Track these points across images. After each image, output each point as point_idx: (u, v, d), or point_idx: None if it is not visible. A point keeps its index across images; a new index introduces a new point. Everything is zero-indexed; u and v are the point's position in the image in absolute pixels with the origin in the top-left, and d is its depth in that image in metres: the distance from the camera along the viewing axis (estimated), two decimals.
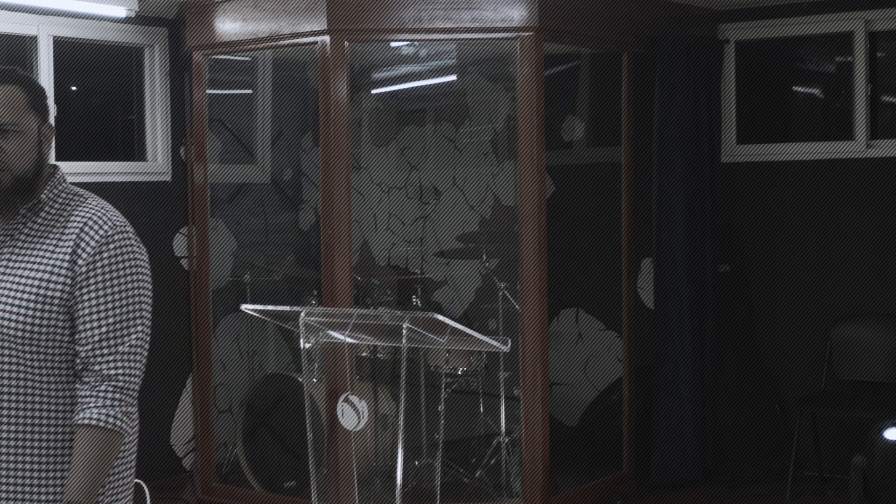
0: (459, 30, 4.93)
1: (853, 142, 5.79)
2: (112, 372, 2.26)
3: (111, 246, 2.29)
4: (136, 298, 2.32)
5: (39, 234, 2.32)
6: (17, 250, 2.31)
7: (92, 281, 2.27)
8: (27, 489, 2.28)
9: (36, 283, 2.26)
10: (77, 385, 2.28)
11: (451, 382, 5.52)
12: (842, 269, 5.79)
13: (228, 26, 5.23)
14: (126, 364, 2.27)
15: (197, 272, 5.65)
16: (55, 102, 5.44)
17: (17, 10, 5.26)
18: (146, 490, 3.79)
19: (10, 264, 2.30)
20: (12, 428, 2.26)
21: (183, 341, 6.01)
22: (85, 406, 2.25)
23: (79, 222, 2.30)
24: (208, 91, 5.45)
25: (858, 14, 5.70)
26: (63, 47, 5.50)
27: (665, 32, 5.52)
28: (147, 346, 2.35)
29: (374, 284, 5.82)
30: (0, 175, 2.27)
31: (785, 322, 5.95)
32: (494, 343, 3.34)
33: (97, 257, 2.27)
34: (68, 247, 2.28)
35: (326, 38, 4.86)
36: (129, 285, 2.31)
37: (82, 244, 2.28)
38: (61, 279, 2.26)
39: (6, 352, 2.25)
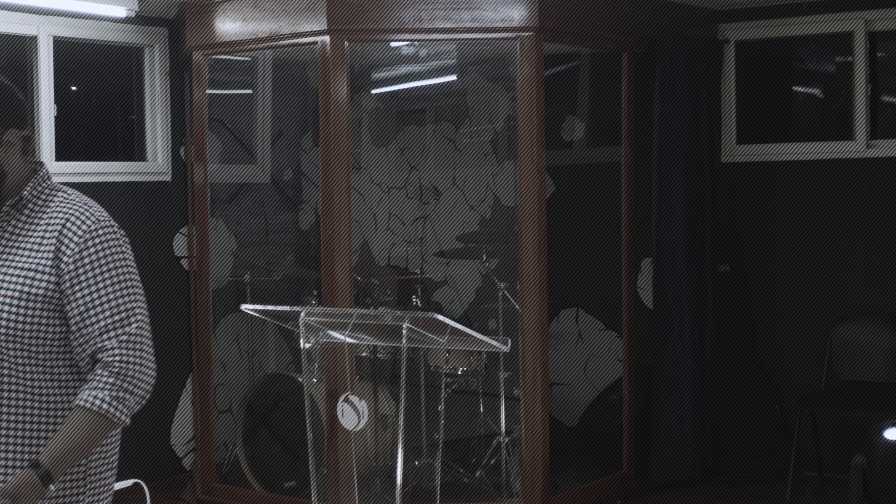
0: (459, 30, 4.93)
1: (853, 142, 5.79)
2: (110, 359, 2.24)
3: (96, 241, 2.27)
4: (129, 290, 2.30)
5: (22, 231, 2.31)
6: (1, 248, 2.31)
7: (83, 277, 2.26)
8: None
9: (20, 280, 2.25)
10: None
11: (451, 382, 5.53)
12: (842, 269, 5.79)
13: (228, 26, 5.23)
14: (125, 351, 2.25)
15: (197, 272, 5.65)
16: (55, 102, 5.45)
17: (17, 10, 5.26)
18: (146, 490, 3.79)
19: None
20: None
21: (183, 341, 6.01)
22: (82, 389, 2.25)
23: (61, 218, 2.29)
24: (208, 91, 5.45)
25: (858, 14, 5.70)
26: (63, 47, 5.50)
27: (665, 32, 5.52)
28: (148, 335, 2.32)
29: (374, 284, 5.81)
30: None
31: (785, 322, 5.95)
32: (494, 343, 3.34)
33: (83, 253, 2.26)
34: (51, 243, 2.27)
35: (326, 38, 4.86)
36: (120, 277, 2.29)
37: (65, 240, 2.27)
38: (45, 276, 2.25)
39: None
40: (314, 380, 5.33)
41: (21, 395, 2.27)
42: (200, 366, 5.64)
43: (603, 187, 6.02)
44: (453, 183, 6.96)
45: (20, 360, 2.26)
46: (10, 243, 2.31)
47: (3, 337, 2.24)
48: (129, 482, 3.64)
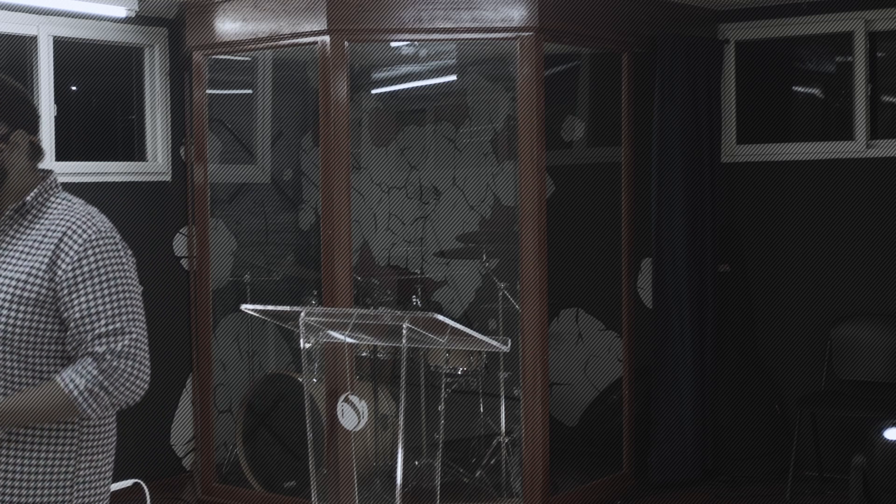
0: (459, 30, 4.93)
1: (853, 142, 5.79)
2: (100, 353, 2.23)
3: (96, 250, 2.26)
4: (126, 302, 2.28)
5: (22, 236, 2.31)
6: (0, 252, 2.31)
7: (80, 286, 2.24)
8: (4, 486, 2.26)
9: (13, 283, 2.25)
10: None
11: (451, 382, 5.53)
12: (842, 269, 5.79)
13: (228, 26, 5.23)
14: (117, 359, 2.24)
15: (197, 272, 5.65)
16: (55, 102, 5.45)
17: (17, 10, 5.25)
18: (146, 490, 3.79)
19: None
20: None
21: (183, 341, 6.01)
22: (66, 368, 2.25)
23: (62, 226, 2.28)
24: (208, 91, 5.45)
25: (858, 14, 5.70)
26: (63, 47, 5.49)
27: (665, 32, 5.53)
28: (144, 349, 2.30)
29: (374, 284, 5.82)
30: None
31: (785, 322, 5.95)
32: (494, 343, 3.34)
33: (82, 262, 2.25)
34: (49, 249, 2.26)
35: (326, 38, 4.87)
36: (118, 288, 2.27)
37: (64, 247, 2.25)
38: (38, 280, 2.24)
39: None
40: (314, 380, 5.33)
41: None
42: (200, 366, 5.64)
43: (603, 187, 6.02)
44: (453, 183, 6.96)
45: (9, 363, 2.25)
46: (10, 247, 2.30)
47: None
48: (129, 482, 3.64)
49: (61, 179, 2.46)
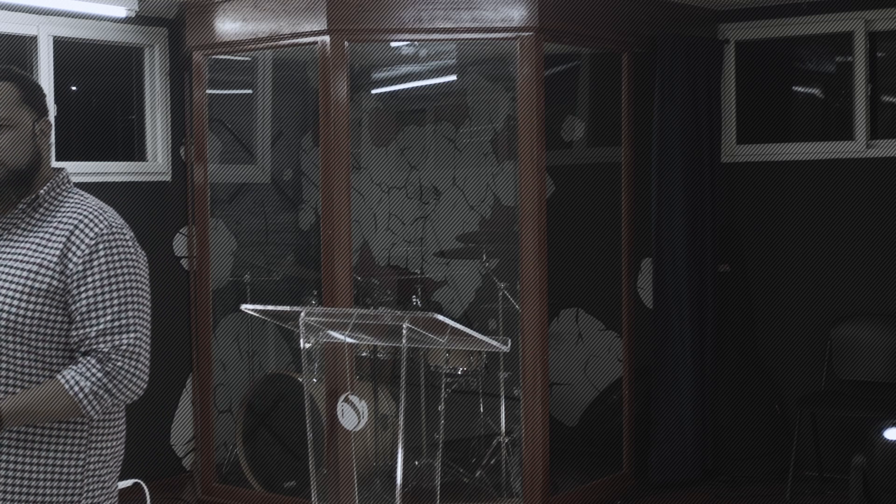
0: (459, 30, 4.93)
1: (853, 142, 5.79)
2: (105, 357, 2.26)
3: (108, 244, 2.29)
4: (134, 299, 2.31)
5: (33, 229, 2.34)
6: (11, 243, 2.33)
7: (89, 279, 2.27)
8: (14, 480, 2.27)
9: (24, 274, 2.27)
10: None
11: (451, 382, 5.52)
12: (842, 269, 5.79)
13: (228, 26, 5.23)
14: (120, 358, 2.26)
15: (197, 272, 5.65)
16: (55, 102, 5.45)
17: (17, 10, 5.26)
18: (146, 490, 3.79)
19: (3, 256, 2.32)
20: None
21: (183, 341, 6.01)
22: (68, 367, 2.27)
23: (74, 219, 2.31)
24: (208, 91, 5.45)
25: (858, 14, 5.70)
26: (63, 47, 5.50)
27: (665, 32, 5.53)
28: (146, 348, 2.32)
29: (374, 284, 5.81)
30: None
31: (785, 322, 5.95)
32: (494, 343, 3.34)
33: (92, 255, 2.27)
34: (60, 242, 2.29)
35: (326, 38, 4.86)
36: (127, 284, 2.30)
37: (76, 240, 2.28)
38: (49, 272, 2.27)
39: None
40: (314, 380, 5.33)
41: (16, 388, 2.27)
42: (200, 366, 5.64)
43: (603, 187, 6.02)
44: (453, 183, 6.96)
45: (18, 354, 2.27)
46: (22, 240, 2.33)
47: (3, 330, 2.25)
48: (129, 482, 3.64)
49: None
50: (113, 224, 2.33)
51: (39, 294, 2.26)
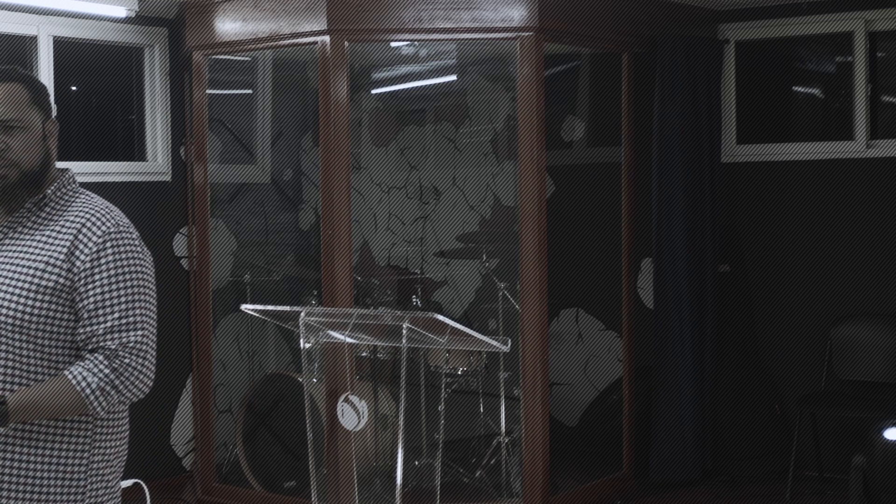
0: (459, 30, 4.93)
1: (853, 142, 5.79)
2: (112, 349, 2.27)
3: (115, 243, 2.31)
4: (141, 297, 2.33)
5: (41, 226, 2.35)
6: (17, 241, 2.34)
7: (97, 277, 2.28)
8: (19, 478, 2.28)
9: (31, 272, 2.28)
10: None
11: (451, 382, 5.52)
12: (842, 269, 5.79)
13: (228, 26, 5.23)
14: (128, 355, 2.28)
15: (197, 272, 5.65)
16: (55, 102, 5.44)
17: (17, 10, 5.26)
18: (146, 490, 3.79)
19: (9, 254, 2.33)
20: None
21: (183, 341, 6.01)
22: (76, 363, 2.27)
23: (81, 218, 2.33)
24: (208, 91, 5.45)
25: (858, 14, 5.70)
26: (63, 47, 5.50)
27: (665, 32, 5.53)
28: (153, 346, 2.34)
29: (374, 284, 5.82)
30: (7, 170, 2.32)
31: (785, 322, 5.95)
32: (494, 343, 3.34)
33: (100, 254, 2.29)
34: (67, 239, 2.30)
35: (326, 38, 4.86)
36: (134, 283, 2.32)
37: (83, 238, 2.30)
38: (56, 270, 2.28)
39: None
40: (314, 380, 5.33)
41: (22, 385, 2.28)
42: (200, 366, 5.64)
43: (603, 187, 6.02)
44: (453, 183, 6.96)
45: (24, 351, 2.28)
46: (29, 238, 2.34)
47: (9, 327, 2.26)
48: (129, 482, 3.64)
49: None
50: (120, 223, 2.35)
51: (46, 292, 2.27)
